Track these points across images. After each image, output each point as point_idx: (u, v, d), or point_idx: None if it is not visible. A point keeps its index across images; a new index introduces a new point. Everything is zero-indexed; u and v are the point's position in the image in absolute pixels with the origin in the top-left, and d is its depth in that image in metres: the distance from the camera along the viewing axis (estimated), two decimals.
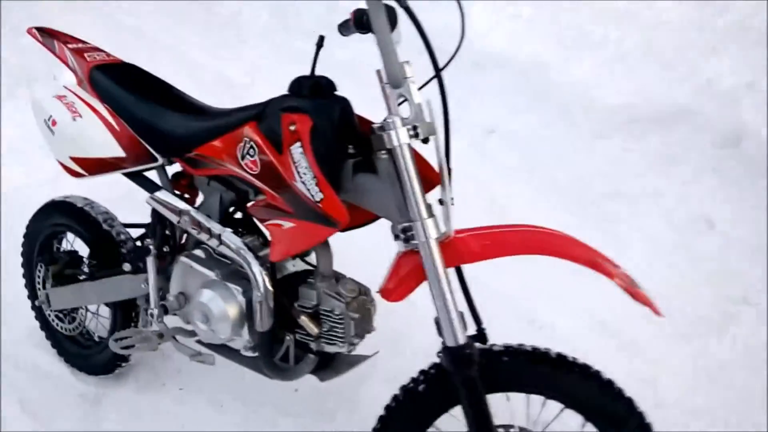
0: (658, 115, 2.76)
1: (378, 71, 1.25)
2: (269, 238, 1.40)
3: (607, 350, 2.07)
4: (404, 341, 2.05)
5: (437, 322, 1.29)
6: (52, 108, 1.69)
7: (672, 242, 2.47)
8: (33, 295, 2.08)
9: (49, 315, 2.06)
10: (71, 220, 1.96)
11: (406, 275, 1.28)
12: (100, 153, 1.63)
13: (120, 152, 1.62)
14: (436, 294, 1.24)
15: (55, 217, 2.00)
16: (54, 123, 1.67)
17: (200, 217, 1.54)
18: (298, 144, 1.30)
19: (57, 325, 2.07)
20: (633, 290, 1.21)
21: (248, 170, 1.40)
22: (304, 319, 1.45)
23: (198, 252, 1.62)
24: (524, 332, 2.07)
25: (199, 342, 1.65)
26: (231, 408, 1.96)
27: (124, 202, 2.06)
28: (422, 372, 1.36)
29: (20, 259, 2.10)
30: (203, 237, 1.53)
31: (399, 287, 1.28)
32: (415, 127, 1.24)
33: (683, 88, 2.78)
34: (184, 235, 1.71)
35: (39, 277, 2.05)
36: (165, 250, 1.73)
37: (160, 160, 1.62)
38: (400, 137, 1.23)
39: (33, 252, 2.08)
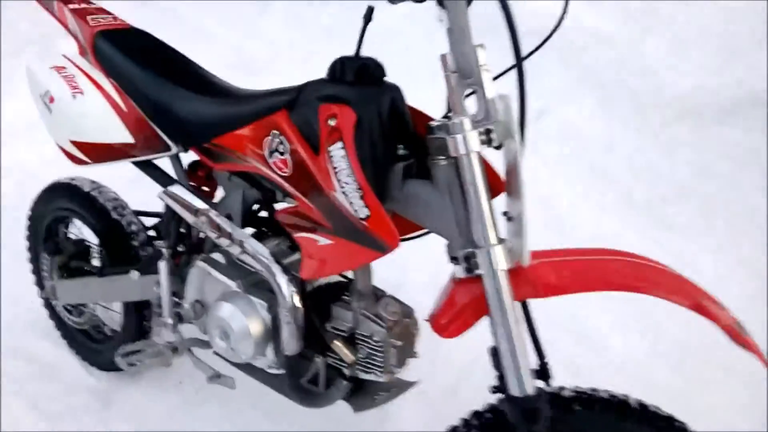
0: (731, 102, 2.45)
1: (443, 56, 1.00)
2: (300, 249, 1.18)
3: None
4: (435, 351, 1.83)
5: (496, 359, 1.07)
6: (50, 82, 1.45)
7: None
8: (40, 285, 1.90)
9: (57, 306, 1.89)
10: (77, 206, 1.76)
11: (463, 308, 1.06)
12: (105, 138, 1.40)
13: (128, 137, 1.40)
14: (501, 334, 1.01)
15: (60, 201, 1.80)
16: (51, 99, 1.44)
17: (220, 220, 1.32)
18: (339, 144, 1.06)
19: (66, 317, 1.90)
20: (742, 338, 0.98)
21: (277, 171, 1.16)
22: (338, 345, 1.24)
23: (217, 256, 1.41)
24: (574, 350, 1.86)
25: (217, 353, 1.46)
26: (250, 416, 1.78)
27: (135, 185, 1.85)
28: (476, 415, 1.15)
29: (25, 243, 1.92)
30: (223, 242, 1.32)
31: (455, 322, 1.06)
32: (488, 131, 0.99)
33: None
34: (201, 233, 1.50)
35: (45, 265, 1.86)
36: (180, 249, 1.52)
37: (174, 149, 1.40)
38: (469, 144, 0.99)
39: (38, 237, 1.90)
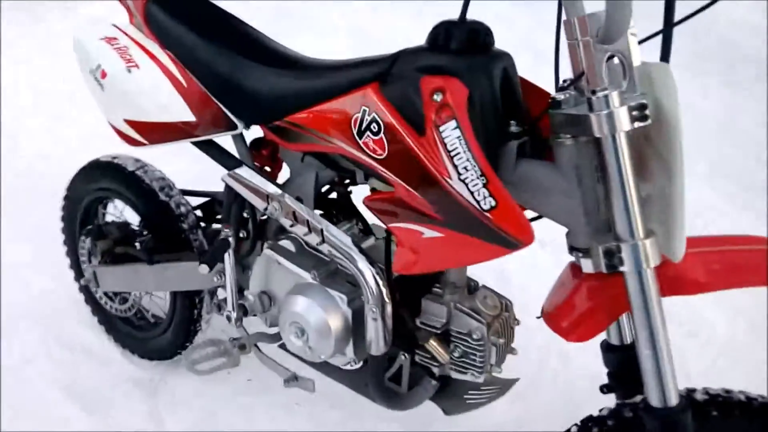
0: None
1: (572, 20, 0.85)
2: (395, 239, 1.04)
3: None
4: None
5: (608, 356, 0.95)
6: (101, 54, 1.29)
7: None
8: (78, 272, 1.77)
9: (97, 293, 1.76)
10: (121, 186, 1.61)
11: (594, 308, 0.93)
12: (164, 116, 1.25)
13: (189, 115, 1.24)
14: (644, 338, 0.88)
15: (102, 181, 1.66)
16: (103, 74, 1.28)
17: (296, 205, 1.18)
18: (452, 124, 0.91)
19: (106, 304, 1.77)
20: None
21: (369, 152, 1.02)
22: (433, 344, 1.11)
23: (286, 244, 1.27)
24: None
25: (282, 347, 1.33)
26: (305, 411, 1.66)
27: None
28: (595, 421, 1.03)
29: (59, 220, 1.78)
30: (299, 230, 1.18)
31: (584, 324, 0.93)
32: (642, 107, 0.84)
33: None
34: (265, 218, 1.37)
35: (84, 249, 1.73)
36: (242, 235, 1.39)
37: (240, 127, 1.25)
38: (618, 122, 0.83)
39: (75, 220, 1.76)
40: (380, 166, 1.01)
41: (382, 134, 1.00)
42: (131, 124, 1.28)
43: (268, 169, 1.36)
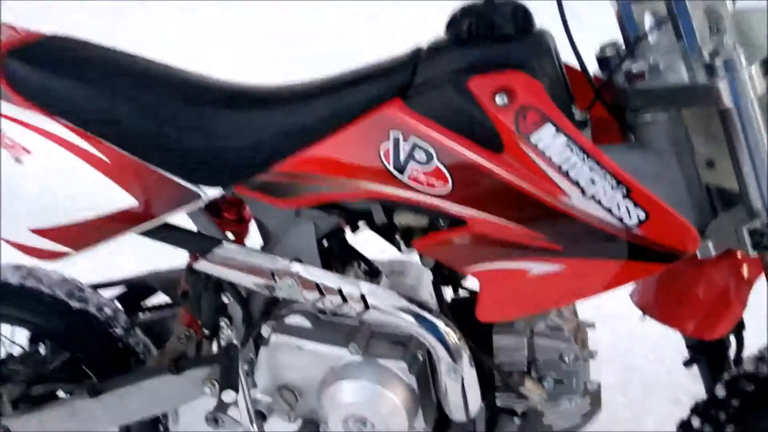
0: None
1: None
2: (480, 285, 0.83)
3: None
4: None
5: None
6: None
7: None
8: None
9: None
10: (9, 308, 1.17)
11: (725, 296, 0.82)
12: (92, 211, 0.86)
13: (128, 200, 0.88)
14: None
15: None
16: None
17: (321, 275, 0.90)
18: (550, 129, 0.71)
19: None
20: None
21: (423, 188, 0.78)
22: (529, 384, 0.93)
23: (296, 320, 0.99)
24: None
25: None
26: None
27: None
28: (713, 404, 0.94)
29: None
30: (328, 303, 0.91)
31: (725, 316, 0.82)
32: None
33: None
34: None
35: None
36: (222, 326, 1.06)
37: (203, 196, 0.92)
38: (754, 85, 0.69)
39: None
40: (446, 202, 0.78)
41: (435, 162, 0.77)
42: (44, 233, 0.87)
43: (231, 236, 1.04)
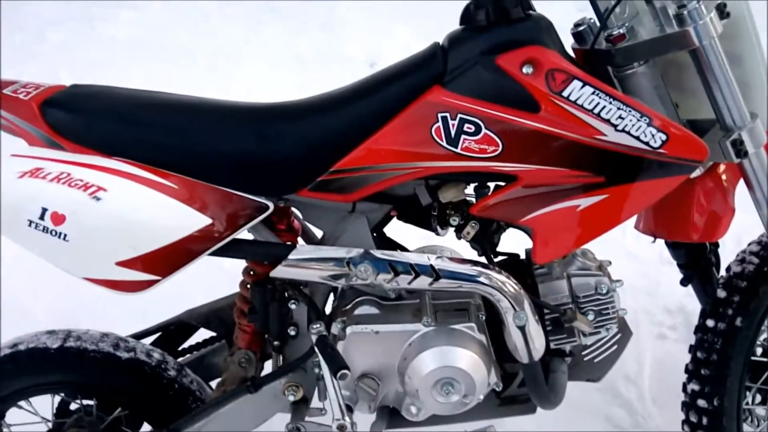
0: None
1: None
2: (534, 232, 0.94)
3: None
4: None
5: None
6: (38, 195, 0.86)
7: None
8: None
9: None
10: (55, 374, 1.13)
11: (719, 204, 0.99)
12: (173, 235, 0.89)
13: (202, 219, 0.91)
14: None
15: (13, 385, 1.13)
16: (59, 220, 0.85)
17: (391, 254, 0.97)
18: (577, 84, 0.86)
19: None
20: None
21: (477, 155, 0.90)
22: (580, 319, 1.04)
23: (364, 309, 1.05)
24: None
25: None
26: None
27: None
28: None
29: None
30: (401, 282, 0.97)
31: (723, 220, 0.98)
32: (722, 6, 0.89)
33: None
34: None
35: None
36: (292, 333, 1.09)
37: (271, 204, 0.97)
38: (714, 27, 0.87)
39: None
40: (498, 163, 0.90)
41: (484, 131, 0.89)
42: (129, 264, 0.88)
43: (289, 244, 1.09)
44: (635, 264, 2.01)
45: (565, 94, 0.87)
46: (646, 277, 1.98)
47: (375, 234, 1.11)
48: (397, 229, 1.17)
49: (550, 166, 0.90)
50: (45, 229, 0.87)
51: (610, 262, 1.15)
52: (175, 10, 3.58)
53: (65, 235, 0.87)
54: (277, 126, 0.95)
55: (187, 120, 0.97)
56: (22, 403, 1.17)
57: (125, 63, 3.18)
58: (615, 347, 1.14)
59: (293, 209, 1.10)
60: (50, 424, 1.17)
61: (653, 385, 1.67)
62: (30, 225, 0.87)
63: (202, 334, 1.32)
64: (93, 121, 0.95)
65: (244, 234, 1.00)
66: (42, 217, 0.87)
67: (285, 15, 3.57)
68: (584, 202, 0.91)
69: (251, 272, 1.11)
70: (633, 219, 1.15)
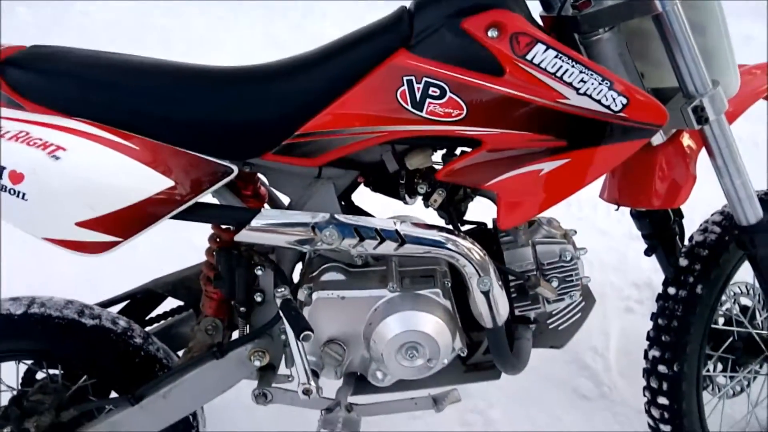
0: None
1: None
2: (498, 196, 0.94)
3: None
4: None
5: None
6: None
7: None
8: None
9: None
10: (19, 342, 1.10)
11: (682, 170, 1.00)
12: (133, 196, 0.87)
13: (165, 182, 0.89)
14: (732, 172, 0.98)
15: None
16: (18, 178, 0.83)
17: (357, 219, 0.96)
18: (541, 47, 0.85)
19: None
20: None
21: (441, 118, 0.89)
22: (544, 285, 1.04)
23: (331, 276, 1.04)
24: None
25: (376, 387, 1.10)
26: None
27: None
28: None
29: None
30: (366, 247, 0.97)
31: (685, 186, 0.99)
32: None
33: None
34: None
35: None
36: (258, 299, 1.09)
37: (235, 169, 0.95)
38: None
39: None
40: (462, 127, 0.89)
41: (449, 94, 0.88)
42: (89, 225, 0.86)
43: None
44: (604, 239, 2.03)
45: (528, 57, 0.86)
46: (615, 251, 2.01)
47: (343, 202, 1.10)
48: (366, 201, 1.16)
49: (514, 130, 0.89)
50: (3, 188, 0.85)
51: (575, 231, 1.16)
52: None
53: (24, 194, 0.85)
54: (242, 88, 0.93)
55: (149, 81, 0.94)
56: None
57: (100, 45, 3.12)
58: (579, 315, 1.16)
59: (260, 176, 1.09)
60: (14, 392, 1.15)
61: (620, 358, 1.69)
62: None
63: (170, 303, 1.31)
64: (53, 80, 0.92)
65: (209, 199, 0.99)
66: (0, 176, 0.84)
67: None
68: (547, 166, 0.91)
69: (217, 239, 1.10)
70: (599, 190, 1.17)
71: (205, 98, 0.93)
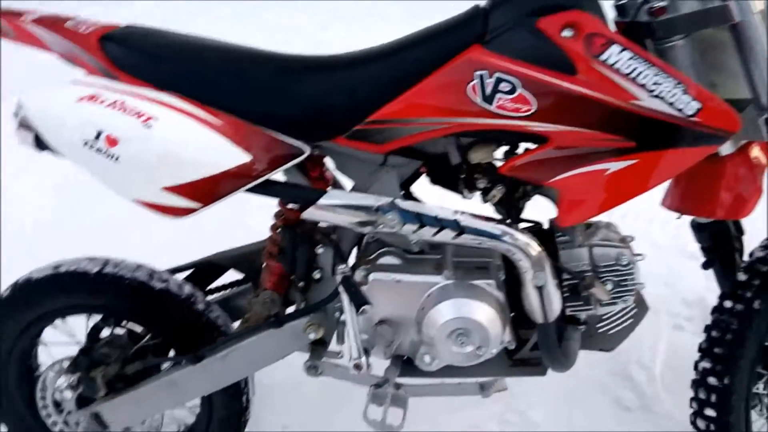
0: None
1: None
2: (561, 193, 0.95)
3: None
4: None
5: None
6: (96, 119, 0.91)
7: None
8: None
9: None
10: (90, 297, 1.18)
11: (752, 179, 0.98)
12: (214, 167, 0.93)
13: (243, 156, 0.94)
14: None
15: (50, 303, 1.19)
16: (113, 142, 0.90)
17: (419, 206, 0.99)
18: (616, 48, 0.86)
19: None
20: None
21: (510, 113, 0.91)
22: (598, 286, 1.05)
23: (388, 260, 1.08)
24: None
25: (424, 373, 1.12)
26: None
27: None
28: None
29: None
30: (425, 234, 0.99)
31: (753, 197, 0.98)
32: None
33: None
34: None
35: (46, 398, 1.23)
36: (316, 276, 1.13)
37: (307, 149, 1.00)
38: (754, 2, 0.87)
39: (8, 371, 1.24)
40: (531, 122, 0.91)
41: (520, 90, 0.90)
42: (175, 190, 0.92)
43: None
44: (658, 254, 1.99)
45: (603, 57, 0.87)
46: (668, 267, 1.96)
47: (402, 192, 1.13)
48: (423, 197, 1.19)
49: (583, 128, 0.90)
50: (99, 150, 0.92)
51: (633, 238, 1.15)
52: None
53: (117, 157, 0.92)
54: (321, 75, 0.98)
55: (236, 62, 1.00)
56: (58, 323, 1.24)
57: None
58: (630, 321, 1.15)
59: (326, 161, 1.13)
60: (83, 345, 1.23)
61: (666, 373, 1.66)
62: (85, 145, 0.92)
63: (229, 277, 1.37)
64: (147, 55, 0.99)
65: (279, 177, 1.04)
66: (97, 138, 0.91)
67: None
68: (613, 166, 0.91)
69: (282, 216, 1.15)
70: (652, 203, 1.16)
71: (287, 82, 0.98)
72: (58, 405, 1.25)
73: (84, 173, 0.96)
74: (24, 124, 0.96)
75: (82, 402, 1.20)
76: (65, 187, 2.37)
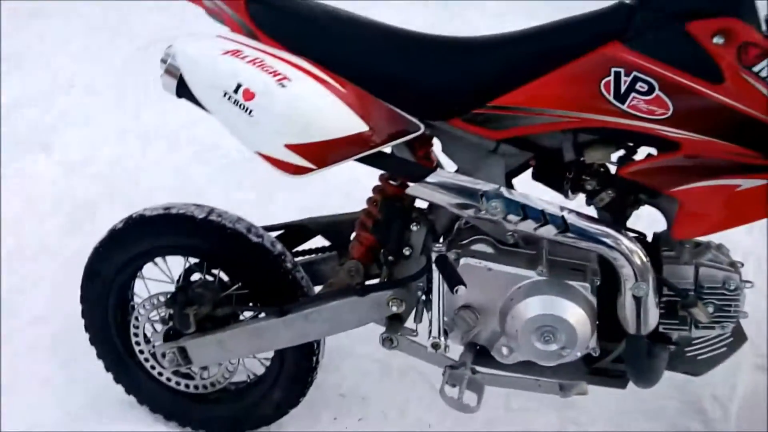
0: None
1: None
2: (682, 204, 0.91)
3: None
4: None
5: None
6: (237, 72, 0.95)
7: None
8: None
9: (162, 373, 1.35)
10: (195, 239, 1.24)
11: None
12: (333, 132, 0.95)
13: (361, 126, 0.96)
14: None
15: (157, 240, 1.26)
16: (249, 96, 0.94)
17: (523, 198, 0.98)
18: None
19: (175, 382, 1.36)
20: None
21: (643, 115, 0.87)
22: (699, 306, 1.00)
23: (481, 247, 1.06)
24: None
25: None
26: None
27: None
28: None
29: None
30: (526, 226, 0.97)
31: None
32: None
33: None
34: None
35: (138, 328, 1.31)
36: (407, 252, 1.13)
37: (422, 127, 1.00)
38: None
39: (108, 297, 1.32)
40: (664, 127, 0.87)
41: (657, 92, 0.86)
42: (295, 148, 0.95)
43: None
44: (749, 292, 1.87)
45: (755, 69, 0.82)
46: (758, 306, 1.84)
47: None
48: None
49: (719, 139, 0.85)
50: (236, 102, 0.95)
51: (743, 264, 1.08)
52: None
53: (251, 111, 0.95)
54: (447, 55, 0.98)
55: (368, 35, 1.01)
56: (158, 260, 1.31)
57: None
58: (724, 349, 1.09)
59: (434, 141, 1.13)
60: (179, 284, 1.29)
61: (741, 412, 1.56)
62: (224, 96, 0.96)
63: (316, 243, 1.39)
64: (287, 19, 1.02)
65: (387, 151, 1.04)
66: (236, 91, 0.95)
67: None
68: (745, 183, 0.86)
69: (381, 190, 1.16)
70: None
71: (413, 59, 0.98)
72: (145, 336, 1.33)
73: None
74: (170, 71, 1.01)
75: (169, 336, 1.27)
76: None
